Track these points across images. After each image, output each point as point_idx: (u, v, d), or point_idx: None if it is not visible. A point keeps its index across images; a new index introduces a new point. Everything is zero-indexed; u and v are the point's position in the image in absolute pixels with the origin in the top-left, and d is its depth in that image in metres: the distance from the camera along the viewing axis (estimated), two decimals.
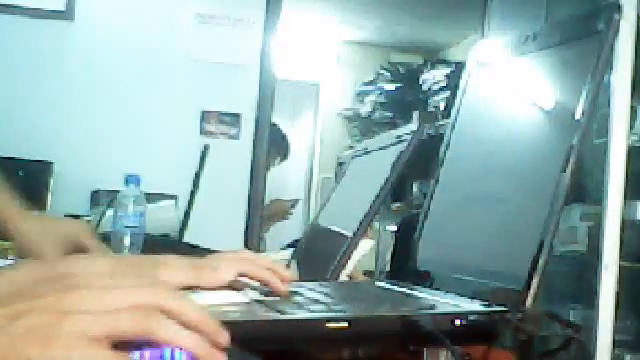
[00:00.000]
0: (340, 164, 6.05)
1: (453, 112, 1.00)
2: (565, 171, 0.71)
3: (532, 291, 0.69)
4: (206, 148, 3.14)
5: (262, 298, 0.73)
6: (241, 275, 0.76)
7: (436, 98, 5.36)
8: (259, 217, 3.15)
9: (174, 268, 0.72)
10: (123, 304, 0.52)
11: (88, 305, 0.51)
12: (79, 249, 1.30)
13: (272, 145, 3.26)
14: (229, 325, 0.54)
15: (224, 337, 0.53)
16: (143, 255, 0.77)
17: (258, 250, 3.07)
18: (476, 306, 0.71)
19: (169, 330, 0.51)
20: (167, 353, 0.52)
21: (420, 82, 5.73)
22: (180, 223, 2.04)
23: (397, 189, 4.57)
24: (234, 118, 3.21)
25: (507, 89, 0.92)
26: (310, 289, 0.79)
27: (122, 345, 0.51)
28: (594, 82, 0.73)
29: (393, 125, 5.51)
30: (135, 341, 0.51)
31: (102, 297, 0.52)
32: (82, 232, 1.35)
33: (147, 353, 0.52)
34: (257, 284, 0.78)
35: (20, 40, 3.04)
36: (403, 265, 0.96)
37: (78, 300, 0.52)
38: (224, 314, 0.64)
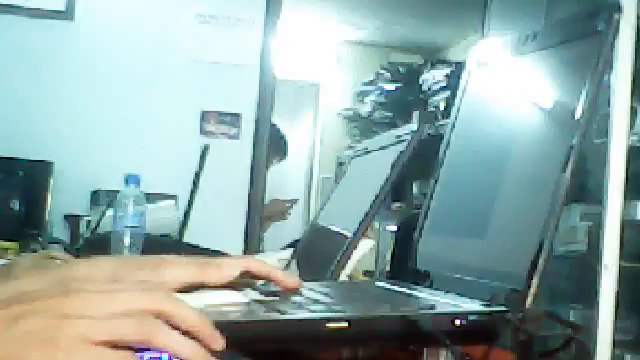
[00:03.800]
0: (340, 164, 6.05)
1: (453, 112, 1.00)
2: (565, 171, 0.71)
3: (532, 291, 0.69)
4: (206, 148, 3.13)
5: (262, 298, 0.73)
6: (245, 272, 0.75)
7: (436, 98, 5.36)
8: (259, 217, 3.15)
9: (177, 267, 0.70)
10: (123, 308, 0.52)
11: (89, 309, 0.51)
12: None
13: (270, 145, 3.26)
14: (229, 325, 0.54)
15: (219, 343, 0.53)
16: (145, 255, 0.77)
17: (258, 250, 3.07)
18: (476, 306, 0.71)
19: (169, 338, 0.51)
20: (165, 358, 0.52)
21: (420, 82, 5.73)
22: (180, 223, 2.04)
23: (397, 189, 4.57)
24: (234, 118, 3.21)
25: (507, 89, 0.92)
26: (310, 289, 0.79)
27: (121, 349, 0.51)
28: (594, 82, 0.73)
29: (393, 125, 5.50)
30: (134, 346, 0.51)
31: (102, 301, 0.52)
32: None
33: (146, 356, 0.52)
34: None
35: (20, 40, 3.04)
36: (403, 265, 0.96)
37: (79, 304, 0.52)
38: (224, 314, 0.64)
